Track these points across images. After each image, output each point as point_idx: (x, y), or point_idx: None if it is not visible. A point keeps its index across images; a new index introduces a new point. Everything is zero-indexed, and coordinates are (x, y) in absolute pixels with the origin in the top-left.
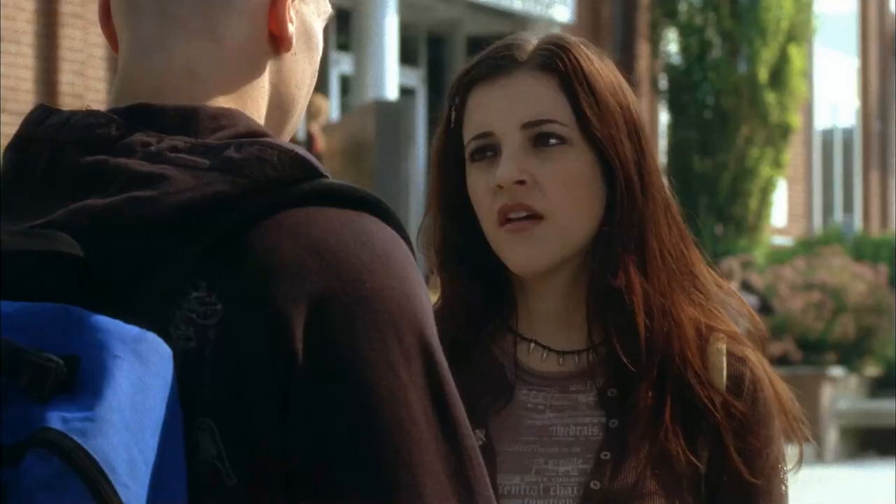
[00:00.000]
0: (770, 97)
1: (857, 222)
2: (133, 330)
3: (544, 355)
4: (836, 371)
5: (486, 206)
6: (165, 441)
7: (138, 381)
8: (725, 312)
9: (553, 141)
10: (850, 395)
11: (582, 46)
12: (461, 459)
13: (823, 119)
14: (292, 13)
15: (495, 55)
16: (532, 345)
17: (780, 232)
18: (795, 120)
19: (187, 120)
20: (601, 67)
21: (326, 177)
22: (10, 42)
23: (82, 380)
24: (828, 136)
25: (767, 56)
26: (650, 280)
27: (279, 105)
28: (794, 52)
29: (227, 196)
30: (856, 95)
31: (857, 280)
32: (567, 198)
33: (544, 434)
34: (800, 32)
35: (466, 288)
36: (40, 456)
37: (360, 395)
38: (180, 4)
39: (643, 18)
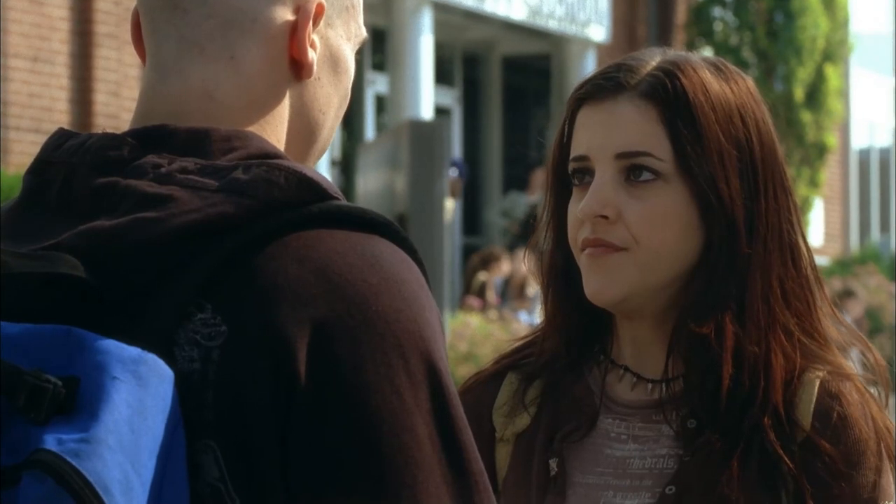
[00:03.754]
0: (806, 117)
1: (894, 242)
2: (133, 352)
3: (634, 382)
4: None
5: (573, 234)
6: (166, 462)
7: (137, 402)
8: (844, 356)
9: (646, 175)
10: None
11: (700, 71)
12: (467, 484)
13: (860, 138)
14: (315, 38)
15: (605, 75)
16: (622, 371)
17: (817, 251)
18: (832, 139)
19: (199, 141)
20: (718, 95)
21: (337, 198)
22: (44, 62)
23: (81, 401)
24: (864, 155)
25: (803, 75)
26: (746, 327)
27: (302, 130)
28: (830, 71)
29: (231, 217)
30: (893, 115)
31: (893, 300)
32: (653, 236)
33: (620, 466)
34: (836, 52)
35: (565, 310)
36: (35, 477)
37: (361, 419)
38: (198, 28)
39: (678, 38)
